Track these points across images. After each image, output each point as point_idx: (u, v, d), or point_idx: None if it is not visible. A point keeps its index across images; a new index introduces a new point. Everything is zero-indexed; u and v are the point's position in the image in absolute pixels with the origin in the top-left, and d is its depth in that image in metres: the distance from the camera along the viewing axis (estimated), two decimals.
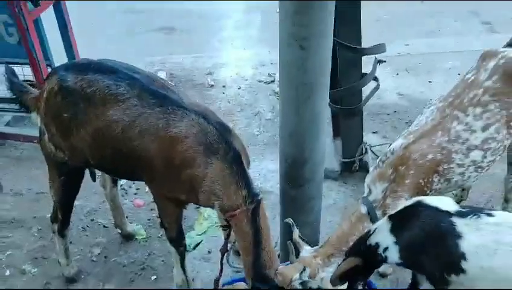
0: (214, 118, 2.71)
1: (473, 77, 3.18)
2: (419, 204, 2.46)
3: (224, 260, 3.01)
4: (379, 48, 3.83)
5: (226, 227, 2.81)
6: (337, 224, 3.77)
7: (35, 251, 3.72)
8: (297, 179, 2.86)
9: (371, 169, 3.12)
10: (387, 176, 2.94)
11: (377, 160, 3.10)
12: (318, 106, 2.63)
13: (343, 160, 4.27)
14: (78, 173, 3.09)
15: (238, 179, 2.59)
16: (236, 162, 2.61)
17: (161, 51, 6.63)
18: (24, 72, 4.46)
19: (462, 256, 2.29)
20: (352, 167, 4.29)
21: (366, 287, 2.81)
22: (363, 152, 4.24)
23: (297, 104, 2.62)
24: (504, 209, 3.72)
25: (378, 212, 2.93)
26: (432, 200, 2.46)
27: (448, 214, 2.36)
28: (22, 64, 4.51)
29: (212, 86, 5.87)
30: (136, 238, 3.84)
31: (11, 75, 3.05)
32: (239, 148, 2.68)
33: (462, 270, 2.31)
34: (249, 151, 4.71)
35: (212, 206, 2.73)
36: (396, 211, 2.55)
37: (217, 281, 2.95)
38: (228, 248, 2.97)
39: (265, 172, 4.57)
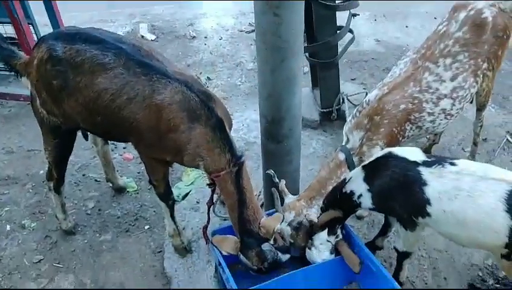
0: (196, 86, 2.82)
1: (444, 29, 3.34)
2: (389, 155, 2.68)
3: (211, 211, 3.23)
4: (352, 4, 3.92)
5: (212, 184, 3.03)
6: (317, 171, 4.01)
7: (32, 207, 3.91)
8: (276, 135, 3.04)
9: (348, 119, 3.32)
10: (364, 125, 3.15)
11: (354, 110, 3.30)
12: (293, 68, 2.77)
13: (322, 110, 4.45)
14: (71, 135, 3.23)
15: (222, 144, 2.75)
16: (219, 128, 2.75)
17: (142, 3, 6.56)
18: (6, 30, 4.51)
19: (427, 201, 2.54)
20: (331, 117, 4.48)
21: (343, 231, 3.07)
22: (341, 102, 4.41)
23: (273, 67, 2.75)
24: (473, 152, 3.99)
25: (355, 159, 3.16)
26: (401, 151, 2.68)
27: (416, 163, 2.59)
28: (3, 23, 4.55)
29: (194, 37, 5.91)
30: (128, 191, 4.04)
31: (0, 41, 3.11)
32: (221, 114, 2.81)
33: (428, 214, 2.57)
34: (232, 102, 4.90)
35: (197, 167, 2.91)
36: (368, 161, 2.78)
37: (205, 228, 3.20)
38: (214, 200, 3.19)
39: (248, 122, 4.73)
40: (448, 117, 3.27)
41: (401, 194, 2.63)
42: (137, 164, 4.31)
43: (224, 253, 2.82)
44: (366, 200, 2.78)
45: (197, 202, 3.83)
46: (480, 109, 3.72)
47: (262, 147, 3.23)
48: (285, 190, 3.10)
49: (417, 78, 3.20)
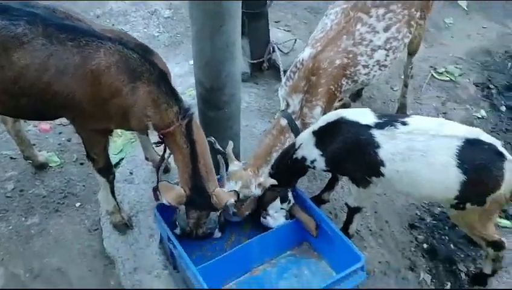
0: (131, 42, 2.57)
1: None
2: (340, 120, 2.61)
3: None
4: None
5: (159, 143, 2.78)
6: (254, 127, 3.89)
7: None
8: (216, 103, 2.88)
9: (283, 81, 3.19)
10: (301, 87, 3.04)
11: (288, 71, 3.17)
12: (232, 34, 2.61)
13: (252, 61, 4.27)
14: None
15: (168, 97, 2.55)
16: (163, 81, 2.55)
17: None
18: None
19: (381, 163, 2.53)
20: (262, 67, 4.32)
21: (294, 193, 3.03)
22: (271, 51, 4.25)
23: (211, 33, 2.57)
24: (404, 93, 4.04)
25: (298, 123, 3.08)
26: (352, 114, 2.62)
27: (368, 127, 2.54)
28: None
29: None
30: (50, 166, 3.70)
31: None
32: (162, 66, 2.60)
33: (382, 174, 2.58)
34: None
35: (145, 129, 2.68)
36: (318, 126, 2.70)
37: (155, 189, 2.91)
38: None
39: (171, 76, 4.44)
40: (383, 68, 3.24)
41: (354, 157, 2.61)
42: (56, 134, 3.94)
43: (165, 201, 2.62)
44: (320, 164, 2.75)
45: (131, 173, 3.59)
46: (411, 54, 3.74)
47: (201, 114, 3.04)
48: (232, 155, 2.96)
49: (350, 31, 3.11)
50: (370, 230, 3.36)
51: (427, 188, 2.51)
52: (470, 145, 2.42)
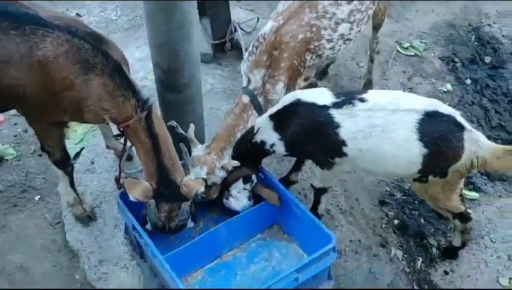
0: (82, 30, 2.43)
1: None
2: (298, 102, 2.54)
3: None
4: None
5: (119, 135, 2.65)
6: (219, 110, 3.80)
7: None
8: (175, 85, 2.76)
9: (245, 56, 3.09)
10: (263, 62, 2.95)
11: (250, 46, 3.07)
12: (187, 12, 2.49)
13: (214, 42, 4.14)
14: None
15: (124, 90, 2.42)
16: (118, 73, 2.41)
17: None
18: None
19: (343, 142, 2.48)
20: (224, 48, 4.20)
21: (261, 174, 2.96)
22: (233, 31, 4.13)
23: (166, 13, 2.45)
24: (369, 68, 3.99)
25: (260, 99, 2.99)
26: (308, 96, 2.56)
27: (325, 107, 2.48)
28: None
29: None
30: (6, 159, 3.54)
31: None
32: (118, 57, 2.47)
33: (344, 154, 2.52)
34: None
35: (102, 122, 2.57)
36: (276, 109, 2.63)
37: (117, 178, 2.83)
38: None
39: (131, 62, 4.25)
40: (347, 42, 3.18)
41: (315, 139, 2.55)
42: (11, 125, 3.77)
43: (132, 198, 2.51)
44: (280, 148, 2.69)
45: (92, 162, 3.46)
46: (376, 28, 3.68)
47: (160, 97, 2.92)
48: (194, 139, 2.86)
49: (313, 4, 3.02)
50: (340, 209, 3.33)
51: (390, 163, 2.47)
52: (429, 118, 2.39)
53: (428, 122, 2.39)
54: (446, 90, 4.23)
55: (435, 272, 3.07)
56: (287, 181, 3.25)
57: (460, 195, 2.99)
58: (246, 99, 2.95)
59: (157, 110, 2.60)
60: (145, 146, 2.50)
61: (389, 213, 3.36)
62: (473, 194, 3.46)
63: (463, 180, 2.68)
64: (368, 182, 3.51)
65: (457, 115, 2.46)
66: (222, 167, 2.79)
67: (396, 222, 3.30)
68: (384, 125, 2.40)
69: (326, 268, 2.64)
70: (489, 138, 3.78)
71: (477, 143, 2.44)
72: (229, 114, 2.99)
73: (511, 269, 3.03)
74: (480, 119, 4.00)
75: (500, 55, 4.52)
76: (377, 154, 2.45)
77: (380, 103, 2.44)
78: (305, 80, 3.45)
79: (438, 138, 2.39)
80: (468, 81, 4.31)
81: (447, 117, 2.42)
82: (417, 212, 3.35)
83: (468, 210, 2.85)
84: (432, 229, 3.28)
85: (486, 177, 3.57)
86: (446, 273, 3.04)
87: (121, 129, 2.53)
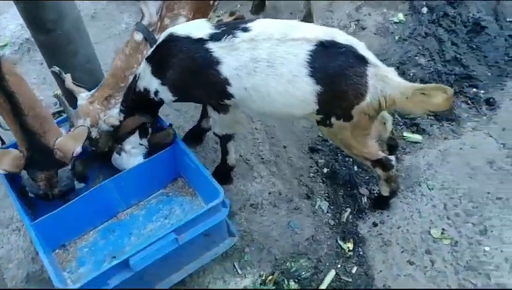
0: None
1: None
2: (170, 38, 2.16)
3: None
4: None
5: None
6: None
7: None
8: (42, 24, 2.35)
9: None
10: None
11: None
12: None
13: None
14: None
15: None
16: None
17: None
18: None
19: (226, 82, 2.12)
20: None
21: (158, 124, 2.63)
22: None
23: None
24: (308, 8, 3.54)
25: (158, 36, 2.59)
26: (182, 29, 2.18)
27: (202, 41, 2.09)
28: None
29: None
30: None
31: None
32: None
33: (231, 95, 2.15)
34: None
35: None
36: (151, 51, 2.24)
37: None
38: None
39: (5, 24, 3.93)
40: None
41: (196, 80, 2.18)
42: None
43: (1, 171, 2.24)
44: (166, 95, 2.32)
45: None
46: None
47: (35, 40, 2.54)
48: (74, 87, 2.50)
49: None
50: (262, 158, 3.01)
51: (281, 103, 2.10)
52: (324, 49, 1.99)
53: (323, 54, 2.00)
54: (397, 21, 3.78)
55: (363, 224, 2.78)
56: (199, 129, 2.92)
57: (384, 140, 2.65)
58: (139, 36, 2.57)
59: (12, 66, 2.24)
60: (3, 108, 2.19)
61: (319, 161, 3.03)
62: (416, 137, 3.10)
63: (377, 123, 2.31)
64: (299, 128, 3.17)
65: (361, 47, 2.07)
66: (104, 122, 2.43)
67: (325, 170, 2.99)
68: (269, 59, 2.02)
69: (222, 225, 2.34)
70: (440, 73, 3.48)
71: (384, 80, 2.06)
72: (118, 55, 2.60)
73: (446, 219, 2.72)
74: (433, 52, 3.56)
75: None
76: (264, 94, 2.09)
77: (265, 32, 2.05)
78: (231, 15, 3.02)
79: (333, 73, 2.01)
80: (425, 10, 3.84)
81: (345, 48, 2.02)
82: (351, 159, 3.01)
83: (390, 157, 2.50)
84: (367, 177, 2.96)
85: (433, 118, 3.19)
86: (375, 224, 2.75)
87: None
